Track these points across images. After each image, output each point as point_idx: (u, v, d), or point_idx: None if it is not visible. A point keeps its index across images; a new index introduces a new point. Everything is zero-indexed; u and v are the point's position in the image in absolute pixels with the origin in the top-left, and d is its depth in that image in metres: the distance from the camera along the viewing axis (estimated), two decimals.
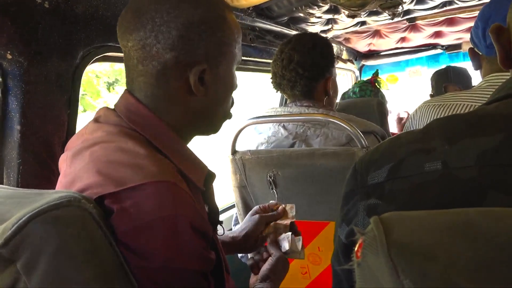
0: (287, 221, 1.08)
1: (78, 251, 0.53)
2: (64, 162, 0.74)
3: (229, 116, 0.86)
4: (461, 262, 0.30)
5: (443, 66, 2.41)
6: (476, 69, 1.26)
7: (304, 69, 1.30)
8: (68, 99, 0.94)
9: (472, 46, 1.22)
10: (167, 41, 0.69)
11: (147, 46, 0.70)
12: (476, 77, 2.18)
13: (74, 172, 0.68)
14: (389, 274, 0.31)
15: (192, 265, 0.65)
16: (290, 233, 1.04)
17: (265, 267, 0.97)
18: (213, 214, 0.82)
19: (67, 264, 0.52)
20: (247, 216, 1.10)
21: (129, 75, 0.76)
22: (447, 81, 2.27)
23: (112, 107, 0.77)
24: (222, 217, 1.89)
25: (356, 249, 0.35)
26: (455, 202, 0.43)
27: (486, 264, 0.29)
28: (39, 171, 0.89)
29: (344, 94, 2.47)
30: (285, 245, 1.02)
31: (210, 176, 0.81)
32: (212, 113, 0.80)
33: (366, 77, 3.13)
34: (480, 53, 1.19)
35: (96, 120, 0.75)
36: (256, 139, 1.42)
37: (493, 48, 0.59)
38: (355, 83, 2.49)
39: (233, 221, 1.62)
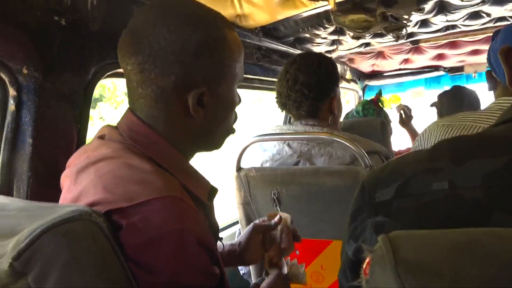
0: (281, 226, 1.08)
1: (88, 265, 0.54)
2: (67, 178, 0.75)
3: (232, 131, 0.86)
4: (466, 279, 0.31)
5: (447, 87, 2.42)
6: (490, 90, 1.28)
7: (310, 89, 1.31)
8: (79, 114, 0.96)
9: (490, 70, 1.24)
10: (165, 66, 0.69)
11: (146, 70, 0.70)
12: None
13: (80, 188, 0.69)
14: None
15: (198, 280, 0.65)
16: (289, 258, 1.05)
17: (263, 284, 0.98)
18: (213, 230, 0.82)
19: (77, 277, 0.53)
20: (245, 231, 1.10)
21: (130, 96, 0.76)
22: (461, 105, 2.22)
23: (115, 125, 0.79)
24: (225, 233, 1.89)
25: (364, 266, 0.36)
26: (461, 221, 0.43)
27: (491, 281, 0.30)
28: (49, 184, 0.90)
29: (347, 114, 2.49)
30: (284, 269, 1.04)
31: (213, 191, 0.82)
32: (212, 133, 0.80)
33: (369, 97, 3.16)
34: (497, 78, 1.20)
35: (100, 137, 0.75)
36: (260, 156, 1.43)
37: None
38: (358, 103, 2.51)
39: (236, 237, 1.62)
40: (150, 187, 0.64)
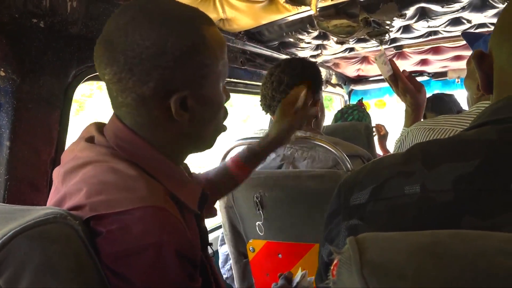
0: None
1: (62, 268, 0.53)
2: (56, 178, 0.74)
3: (223, 129, 0.83)
4: (428, 280, 0.31)
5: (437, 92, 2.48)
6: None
7: None
8: (59, 117, 0.96)
9: None
10: (142, 73, 0.66)
11: (123, 79, 0.66)
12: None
13: (65, 190, 0.68)
14: None
15: None
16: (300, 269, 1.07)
17: None
18: (204, 235, 0.81)
19: (51, 281, 0.52)
20: None
21: (112, 103, 0.73)
22: (426, 109, 2.32)
23: (101, 124, 0.78)
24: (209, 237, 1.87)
25: (332, 268, 0.37)
26: (432, 224, 0.44)
27: (452, 282, 0.31)
28: (27, 188, 0.89)
29: (336, 115, 2.51)
30: (296, 279, 1.07)
31: (205, 197, 0.80)
32: (202, 134, 0.78)
33: (355, 101, 3.20)
34: None
35: (88, 139, 0.74)
36: None
37: None
38: (338, 111, 2.54)
39: (219, 242, 1.62)
40: (133, 195, 0.63)
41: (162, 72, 0.66)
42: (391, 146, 2.93)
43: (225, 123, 0.84)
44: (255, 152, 1.10)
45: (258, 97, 1.48)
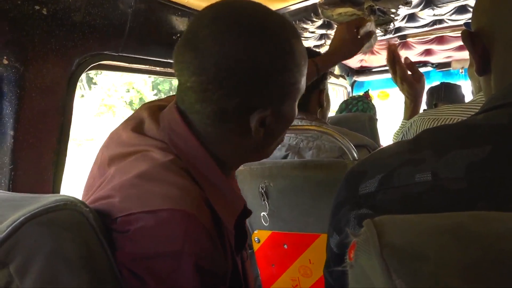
0: None
1: (73, 255, 0.53)
2: (101, 156, 0.72)
3: (282, 140, 0.81)
4: (451, 262, 0.30)
5: (437, 83, 2.45)
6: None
7: None
8: (63, 106, 0.95)
9: None
10: (231, 87, 0.63)
11: (209, 91, 0.63)
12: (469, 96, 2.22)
13: (108, 175, 0.67)
14: (381, 275, 0.31)
15: None
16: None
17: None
18: (242, 239, 0.78)
19: (61, 267, 0.52)
20: None
21: (182, 100, 0.69)
22: (438, 99, 2.30)
23: (154, 107, 0.75)
24: None
25: (348, 251, 0.36)
26: (444, 212, 0.44)
27: (475, 264, 0.30)
28: (32, 177, 0.88)
29: (340, 105, 2.50)
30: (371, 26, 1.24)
31: (245, 214, 0.77)
32: (267, 148, 0.76)
33: (358, 93, 3.18)
34: None
35: (137, 125, 0.71)
36: None
37: None
38: (342, 102, 2.53)
39: None
40: (165, 195, 0.60)
41: (251, 89, 0.64)
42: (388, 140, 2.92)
43: None
44: (315, 65, 1.14)
45: None
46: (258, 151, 0.74)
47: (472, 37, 0.58)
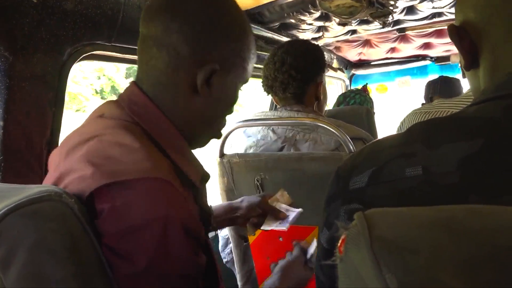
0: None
1: (57, 247, 0.52)
2: (57, 157, 0.72)
3: (218, 135, 0.86)
4: (443, 256, 0.29)
5: (436, 76, 2.45)
6: (464, 77, 1.28)
7: (297, 71, 1.30)
8: (54, 96, 0.93)
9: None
10: (190, 33, 0.70)
11: (169, 30, 0.69)
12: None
13: (68, 165, 0.66)
14: (371, 269, 0.30)
15: (179, 269, 0.63)
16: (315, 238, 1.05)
17: (280, 262, 1.01)
18: (205, 216, 0.80)
19: (45, 259, 0.51)
20: (253, 197, 1.14)
21: (140, 60, 0.75)
22: (434, 92, 2.30)
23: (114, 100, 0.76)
24: None
25: (339, 244, 0.35)
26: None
27: (468, 259, 0.29)
28: (22, 168, 0.87)
29: (338, 98, 2.50)
30: (311, 249, 1.04)
31: (205, 176, 0.81)
32: (208, 120, 0.79)
33: (356, 86, 3.17)
34: None
35: (99, 116, 0.73)
36: (244, 142, 1.41)
37: None
38: (340, 95, 2.52)
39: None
40: (137, 166, 0.61)
41: (207, 40, 0.71)
42: (386, 133, 2.92)
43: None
44: None
45: (256, 80, 1.45)
46: (204, 120, 0.78)
47: (458, 32, 0.56)
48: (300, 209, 1.12)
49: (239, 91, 0.83)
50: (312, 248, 1.04)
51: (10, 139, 0.85)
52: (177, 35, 0.69)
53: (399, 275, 0.29)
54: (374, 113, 2.42)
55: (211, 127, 0.82)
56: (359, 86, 2.59)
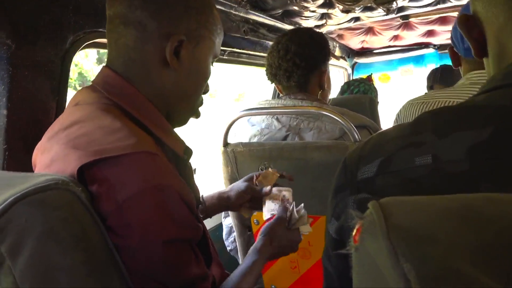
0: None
1: (66, 235, 0.52)
2: (38, 150, 0.73)
3: (197, 113, 0.86)
4: (461, 245, 0.29)
5: (437, 66, 2.45)
6: (455, 67, 1.28)
7: (301, 59, 1.29)
8: (57, 84, 0.92)
9: (452, 46, 1.23)
10: (153, 7, 0.71)
11: (133, 6, 0.71)
12: None
13: (51, 154, 0.66)
14: (388, 258, 0.30)
15: (184, 234, 0.65)
16: (294, 203, 1.04)
17: (266, 224, 0.99)
18: (194, 193, 0.81)
19: (54, 248, 0.51)
20: (239, 183, 1.13)
21: (109, 41, 0.76)
22: (434, 81, 2.30)
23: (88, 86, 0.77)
24: None
25: (354, 233, 0.35)
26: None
27: (487, 248, 0.29)
28: (25, 157, 0.86)
29: (342, 86, 2.49)
30: (295, 216, 1.02)
31: (188, 150, 0.82)
32: (183, 94, 0.80)
33: (359, 75, 3.16)
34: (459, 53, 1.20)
35: (75, 104, 0.73)
36: (249, 131, 1.41)
37: (470, 50, 0.58)
38: (344, 83, 2.51)
39: (223, 214, 1.61)
40: (124, 143, 0.62)
41: (171, 13, 0.72)
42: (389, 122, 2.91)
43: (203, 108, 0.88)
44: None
45: (257, 68, 1.44)
46: (179, 95, 0.79)
47: (468, 21, 0.56)
48: (288, 188, 1.11)
49: (211, 67, 0.84)
50: (295, 215, 1.02)
51: (13, 127, 0.84)
52: (141, 10, 0.71)
53: (417, 264, 0.29)
54: (378, 102, 2.42)
55: (187, 103, 0.82)
56: (364, 76, 2.59)
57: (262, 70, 1.49)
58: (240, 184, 1.13)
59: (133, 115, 0.71)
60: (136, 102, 0.73)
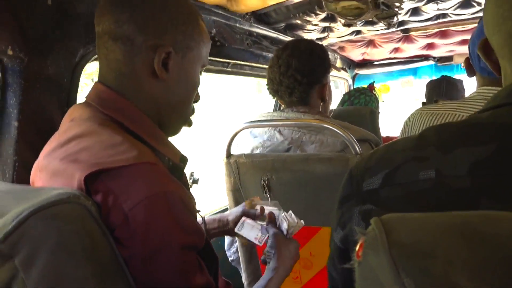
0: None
1: (77, 248, 0.53)
2: (36, 169, 0.74)
3: (189, 122, 0.88)
4: (459, 261, 0.30)
5: (438, 77, 2.42)
6: (469, 77, 1.29)
7: (303, 75, 1.30)
8: (67, 96, 0.94)
9: (468, 57, 1.24)
10: (139, 21, 0.72)
11: (120, 21, 0.72)
12: (470, 89, 2.20)
13: (50, 171, 0.68)
14: (390, 273, 0.32)
15: (190, 240, 0.66)
16: (283, 212, 1.07)
17: (266, 248, 1.01)
18: None
19: (66, 260, 0.52)
20: (237, 208, 1.17)
21: (100, 56, 0.77)
22: (439, 94, 2.26)
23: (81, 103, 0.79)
24: None
25: (357, 249, 0.36)
26: (449, 210, 0.44)
27: (483, 263, 0.30)
28: None
29: (343, 97, 2.50)
30: (284, 225, 1.04)
31: (184, 159, 0.84)
32: (174, 104, 0.81)
33: (359, 85, 3.17)
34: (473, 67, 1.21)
35: (71, 120, 0.75)
36: (251, 143, 1.42)
37: (485, 69, 0.61)
38: (345, 94, 2.52)
39: None
40: (124, 156, 0.64)
41: (157, 25, 0.74)
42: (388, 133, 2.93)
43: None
44: None
45: (259, 80, 1.46)
46: (170, 105, 0.81)
47: (486, 46, 0.59)
48: (274, 202, 1.16)
49: (200, 76, 0.85)
50: (285, 224, 1.05)
51: (24, 139, 0.86)
52: (128, 25, 0.72)
53: (417, 279, 0.30)
54: (379, 112, 2.43)
55: (178, 113, 0.84)
56: (365, 85, 2.58)
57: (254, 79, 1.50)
58: (237, 209, 1.17)
59: (129, 128, 0.73)
60: (130, 115, 0.74)
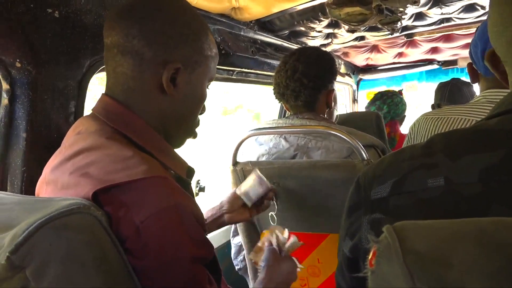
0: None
1: (88, 258, 0.53)
2: (42, 183, 0.75)
3: (194, 134, 0.88)
4: (476, 269, 0.30)
5: (448, 80, 2.40)
6: (473, 83, 1.28)
7: (309, 79, 1.31)
8: (74, 108, 0.95)
9: (471, 62, 1.24)
10: (150, 36, 0.72)
11: (130, 35, 0.72)
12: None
13: (58, 185, 0.68)
14: (404, 282, 0.31)
15: (201, 253, 0.66)
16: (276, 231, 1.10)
17: (259, 262, 1.05)
18: None
19: (77, 271, 0.52)
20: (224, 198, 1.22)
21: (108, 69, 0.77)
22: (441, 98, 2.25)
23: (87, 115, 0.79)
24: (221, 228, 1.88)
25: (369, 257, 0.36)
26: (459, 217, 0.44)
27: (500, 271, 0.30)
28: None
29: (374, 96, 2.51)
30: (274, 241, 1.07)
31: (190, 171, 0.84)
32: (180, 118, 0.81)
33: (364, 91, 3.17)
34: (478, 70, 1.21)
35: (77, 133, 0.75)
36: (257, 150, 1.42)
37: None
38: (386, 91, 2.54)
39: (231, 233, 1.62)
40: (134, 170, 0.64)
41: (167, 40, 0.73)
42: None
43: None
44: None
45: (266, 87, 1.46)
46: (177, 119, 0.81)
47: (494, 56, 0.59)
48: (276, 226, 1.18)
49: (207, 90, 0.85)
50: (274, 240, 1.08)
51: (32, 150, 0.87)
52: (138, 40, 0.72)
53: None
54: (405, 116, 2.46)
55: (184, 126, 0.83)
56: (396, 88, 2.64)
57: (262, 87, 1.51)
58: (227, 193, 1.22)
59: (136, 141, 0.72)
60: (137, 128, 0.74)
